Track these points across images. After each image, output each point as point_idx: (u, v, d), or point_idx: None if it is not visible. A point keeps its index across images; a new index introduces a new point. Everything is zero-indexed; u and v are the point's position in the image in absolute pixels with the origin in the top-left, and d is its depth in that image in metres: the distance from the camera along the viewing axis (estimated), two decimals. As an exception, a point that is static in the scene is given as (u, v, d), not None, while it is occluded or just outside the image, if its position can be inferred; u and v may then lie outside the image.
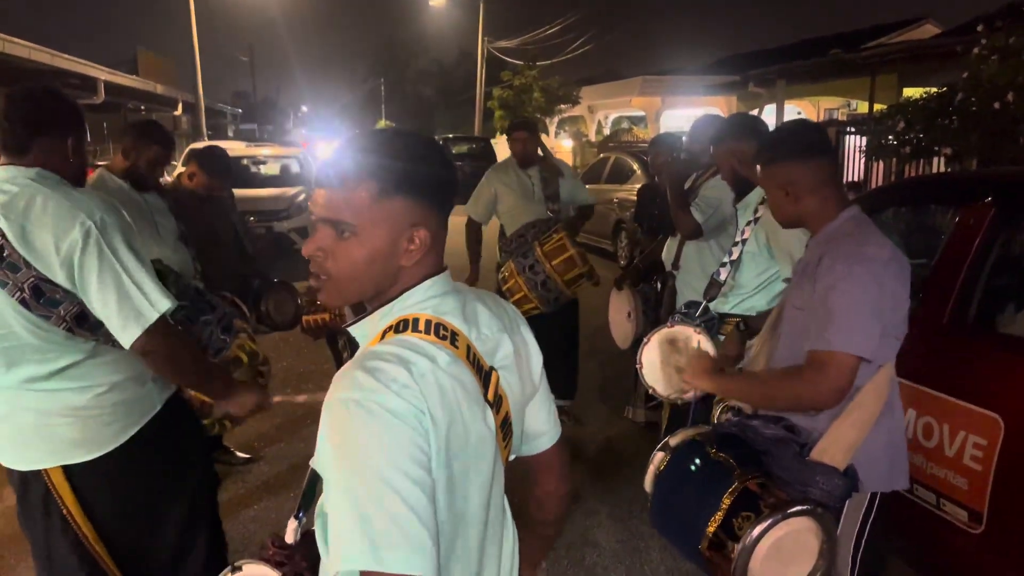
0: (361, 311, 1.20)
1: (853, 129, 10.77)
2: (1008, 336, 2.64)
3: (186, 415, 2.22)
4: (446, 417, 1.05)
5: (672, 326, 2.58)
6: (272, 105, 64.28)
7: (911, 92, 12.62)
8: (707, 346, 2.63)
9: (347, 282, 1.13)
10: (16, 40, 12.86)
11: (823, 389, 1.77)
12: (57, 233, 1.78)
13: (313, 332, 4.43)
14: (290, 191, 11.36)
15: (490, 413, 1.15)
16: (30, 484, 1.97)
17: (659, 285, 4.01)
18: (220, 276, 3.75)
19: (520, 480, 1.41)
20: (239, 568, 1.35)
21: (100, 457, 1.94)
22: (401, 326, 1.12)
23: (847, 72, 14.74)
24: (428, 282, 1.16)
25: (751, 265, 2.81)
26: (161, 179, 3.67)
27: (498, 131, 24.92)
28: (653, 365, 2.61)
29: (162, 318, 1.85)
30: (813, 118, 19.69)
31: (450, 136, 26.29)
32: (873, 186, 9.44)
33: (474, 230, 4.75)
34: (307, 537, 1.24)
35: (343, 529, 0.96)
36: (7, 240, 1.77)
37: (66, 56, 15.30)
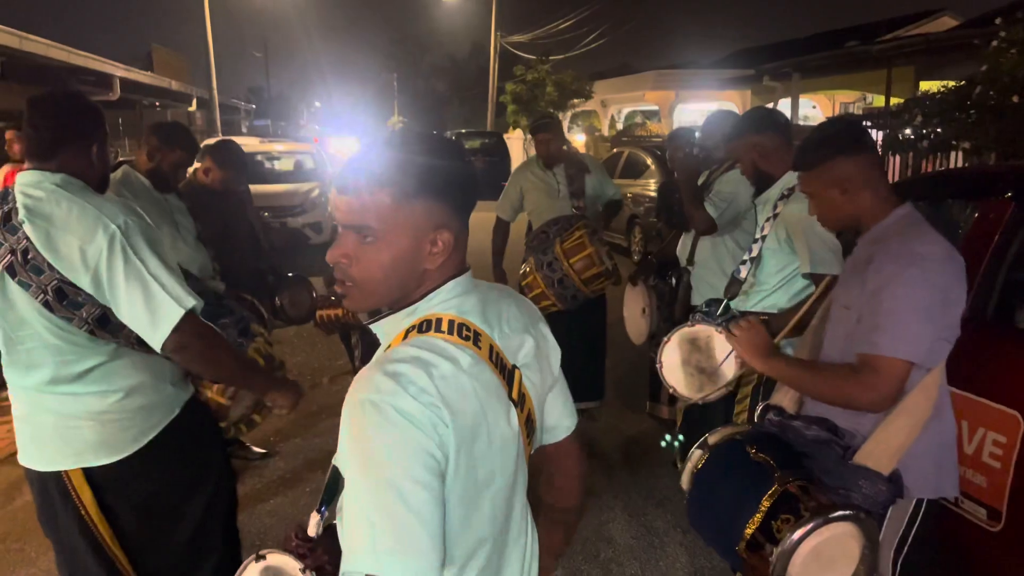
0: (378, 313, 1.20)
1: (869, 123, 10.68)
2: (1029, 333, 2.60)
3: (204, 418, 2.23)
4: (469, 423, 1.05)
5: (693, 325, 2.55)
6: (285, 101, 64.44)
7: (928, 85, 12.51)
8: (725, 346, 2.61)
9: (372, 287, 1.14)
10: (33, 37, 12.94)
11: (872, 394, 1.72)
12: (83, 238, 1.80)
13: (327, 327, 4.44)
14: (304, 187, 11.39)
15: (514, 412, 1.15)
16: (49, 484, 1.99)
17: (674, 281, 3.99)
18: (236, 271, 3.77)
19: (535, 471, 1.42)
20: (263, 557, 1.39)
21: (119, 461, 1.95)
22: (424, 326, 1.12)
23: (863, 65, 14.61)
24: (451, 283, 1.17)
25: (771, 262, 2.77)
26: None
27: (511, 126, 24.90)
28: (673, 365, 2.59)
29: (190, 315, 1.86)
30: (828, 112, 19.55)
31: (463, 131, 26.26)
32: (890, 181, 9.34)
33: (501, 228, 4.75)
34: (329, 531, 1.25)
35: (351, 530, 0.98)
36: (31, 243, 1.80)
37: (82, 53, 15.38)
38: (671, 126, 22.70)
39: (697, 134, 3.87)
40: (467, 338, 1.12)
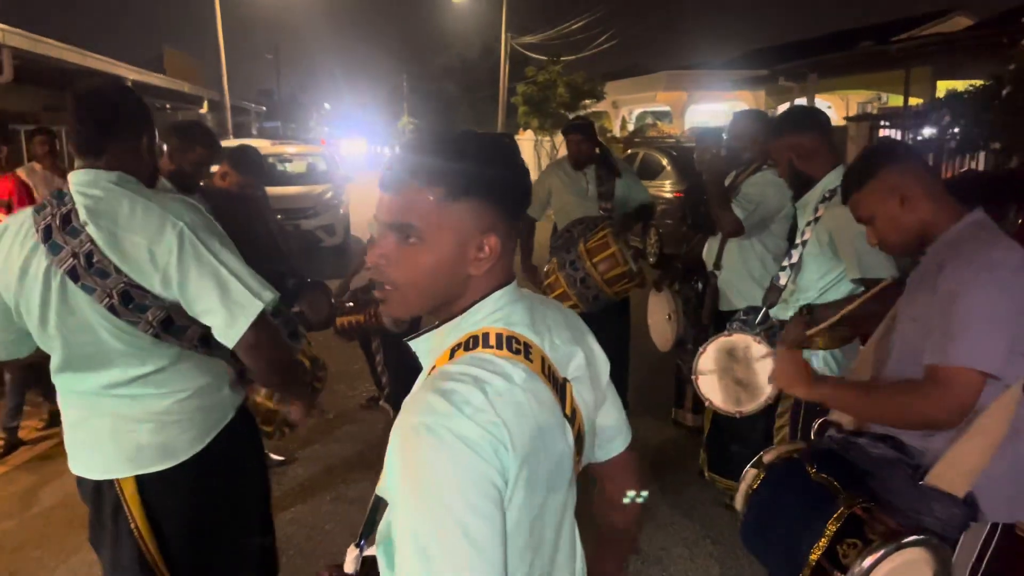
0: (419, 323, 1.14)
1: (888, 123, 10.55)
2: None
3: (250, 424, 2.19)
4: (528, 443, 0.98)
5: (730, 334, 2.46)
6: (295, 103, 64.63)
7: (946, 85, 12.36)
8: (768, 356, 2.52)
9: (413, 292, 1.07)
10: (46, 40, 12.96)
11: (943, 407, 1.60)
12: (151, 238, 1.75)
13: (347, 334, 4.41)
14: (317, 188, 11.39)
15: (569, 429, 1.08)
16: (104, 495, 1.93)
17: (700, 286, 3.91)
18: (255, 276, 3.72)
19: (584, 491, 1.34)
20: None
21: (173, 468, 1.90)
22: (471, 343, 1.05)
23: (880, 65, 14.46)
24: (497, 293, 1.09)
25: (813, 267, 2.67)
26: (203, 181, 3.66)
27: (521, 127, 24.78)
28: (710, 376, 2.51)
29: (264, 313, 1.80)
30: (843, 112, 19.40)
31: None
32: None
33: (528, 225, 4.70)
34: (367, 564, 1.17)
35: (404, 562, 0.91)
36: (96, 246, 1.74)
37: (96, 56, 15.41)
38: (683, 127, 22.59)
39: (724, 135, 3.80)
40: (518, 351, 1.04)
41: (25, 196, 5.54)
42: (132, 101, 1.93)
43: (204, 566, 2.02)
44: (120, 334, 1.80)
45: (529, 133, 24.63)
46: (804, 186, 2.72)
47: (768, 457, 1.89)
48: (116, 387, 1.85)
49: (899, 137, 10.01)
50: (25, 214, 1.84)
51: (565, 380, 1.12)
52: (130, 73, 17.52)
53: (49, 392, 4.59)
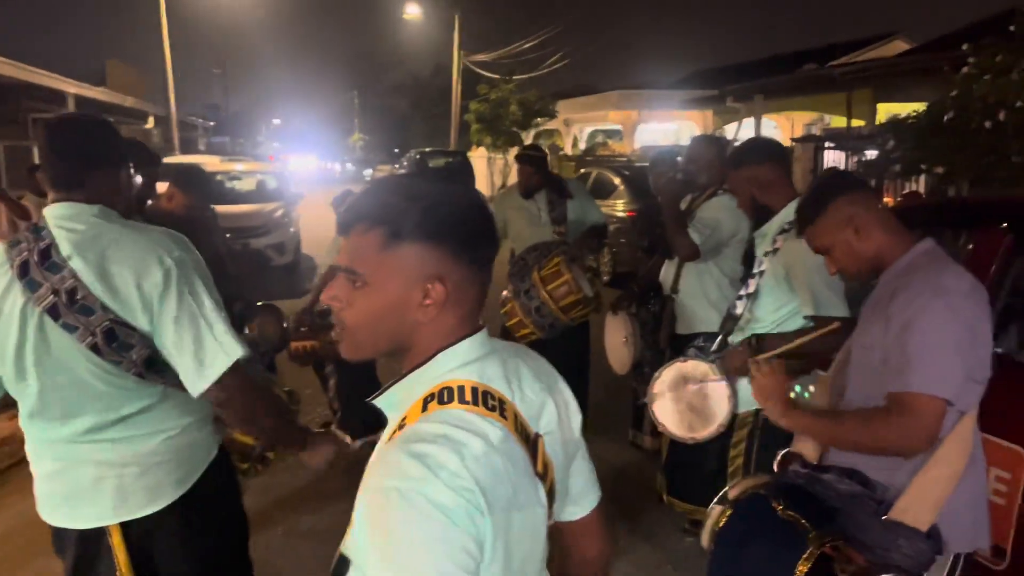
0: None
1: (833, 144, 10.83)
2: (1030, 366, 2.57)
3: (227, 460, 2.11)
4: (504, 507, 0.94)
5: (686, 361, 2.47)
6: (244, 118, 63.79)
7: (885, 107, 12.78)
8: (720, 383, 2.53)
9: (360, 334, 1.04)
10: (-18, 53, 12.57)
11: (907, 435, 1.61)
12: (139, 273, 1.68)
13: (301, 359, 4.29)
14: (267, 206, 11.19)
15: (541, 488, 1.03)
16: (89, 544, 1.83)
17: (658, 308, 3.91)
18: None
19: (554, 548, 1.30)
20: None
21: (158, 513, 1.82)
22: (445, 395, 1.00)
23: (824, 87, 14.90)
24: (466, 343, 1.04)
25: (769, 298, 2.68)
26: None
27: (474, 144, 24.85)
28: (664, 402, 2.51)
29: (236, 366, 1.74)
30: (788, 133, 19.89)
31: (427, 150, 26.16)
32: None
33: None
34: None
35: None
36: (80, 281, 1.65)
37: (34, 69, 14.98)
38: (634, 145, 22.90)
39: (678, 157, 3.82)
40: (493, 408, 1.00)
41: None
42: (110, 132, 1.87)
43: None
44: (102, 374, 1.72)
45: (482, 150, 24.71)
46: (764, 217, 2.75)
47: (733, 492, 1.88)
48: (96, 431, 1.76)
49: (843, 158, 10.28)
50: None
51: (537, 435, 1.07)
52: (71, 87, 17.08)
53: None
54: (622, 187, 10.59)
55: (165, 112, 22.46)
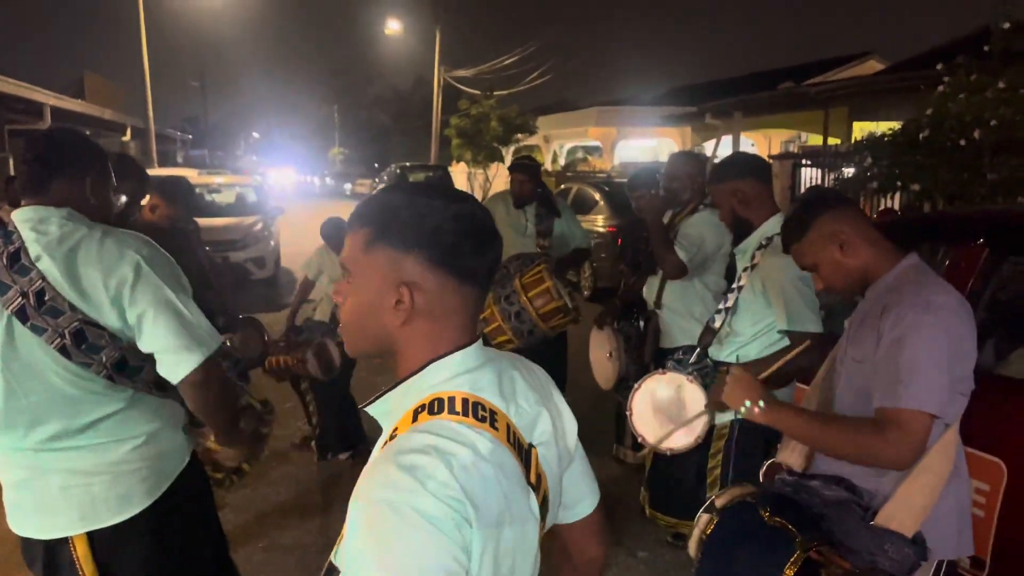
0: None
1: (810, 161, 10.99)
2: (1008, 379, 2.62)
3: (202, 470, 2.10)
4: (494, 517, 0.95)
5: (664, 373, 2.50)
6: (223, 131, 63.47)
7: (860, 125, 12.99)
8: (697, 395, 2.55)
9: (349, 330, 1.09)
10: (-43, 62, 12.43)
11: (896, 449, 1.65)
12: (105, 270, 1.70)
13: (277, 374, 4.29)
14: (247, 220, 11.12)
15: (533, 497, 1.04)
16: (56, 554, 1.81)
17: (641, 323, 3.94)
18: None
19: (547, 553, 1.30)
20: None
21: (127, 521, 1.80)
22: (436, 406, 1.00)
23: (800, 105, 15.13)
24: (459, 355, 1.05)
25: (747, 313, 2.72)
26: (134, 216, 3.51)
27: (455, 159, 24.89)
28: (643, 413, 2.54)
29: (215, 354, 1.77)
30: (766, 150, 20.14)
31: (408, 164, 26.15)
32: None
33: None
34: None
35: None
36: (48, 282, 1.66)
37: (10, 80, 14.82)
38: (613, 161, 23.05)
39: (657, 175, 3.86)
40: (483, 419, 1.00)
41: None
42: (79, 141, 1.92)
43: None
44: (71, 378, 1.71)
45: (462, 165, 24.76)
46: (744, 232, 2.78)
47: (720, 501, 1.89)
48: (64, 438, 1.75)
49: (820, 175, 10.43)
50: None
51: (530, 446, 1.08)
52: (48, 99, 16.91)
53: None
54: (602, 203, 10.65)
55: (144, 124, 22.29)
